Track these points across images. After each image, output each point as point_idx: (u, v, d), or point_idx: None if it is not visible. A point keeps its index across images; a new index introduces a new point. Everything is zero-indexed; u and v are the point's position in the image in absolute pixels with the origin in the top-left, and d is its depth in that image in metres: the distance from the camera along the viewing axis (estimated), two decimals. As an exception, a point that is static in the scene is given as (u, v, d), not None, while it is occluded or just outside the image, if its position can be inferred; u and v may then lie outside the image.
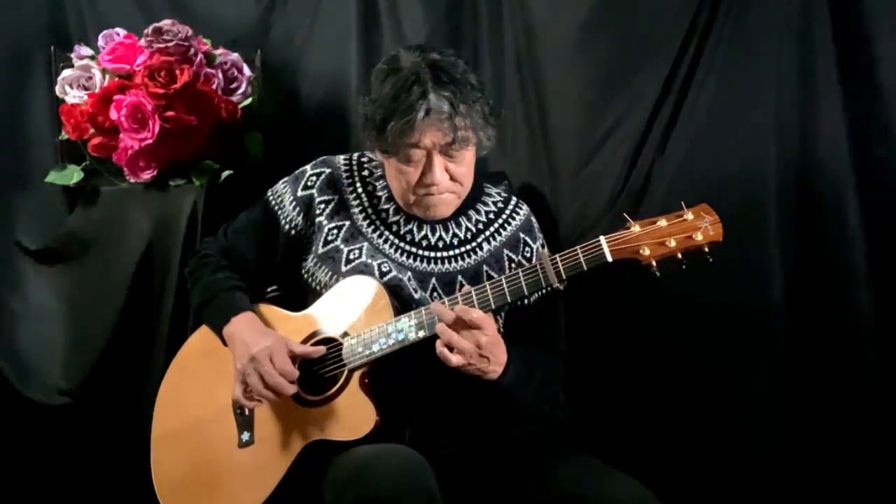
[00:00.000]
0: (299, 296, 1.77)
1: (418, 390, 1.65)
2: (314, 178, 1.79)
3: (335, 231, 1.76)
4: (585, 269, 1.53)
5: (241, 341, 1.67)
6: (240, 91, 2.24)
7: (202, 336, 1.80)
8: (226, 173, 2.19)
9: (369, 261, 1.72)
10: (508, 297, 1.57)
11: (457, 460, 1.62)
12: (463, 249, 1.77)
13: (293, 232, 1.78)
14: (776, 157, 1.98)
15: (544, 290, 1.61)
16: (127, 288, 2.20)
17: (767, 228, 1.98)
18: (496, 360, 1.57)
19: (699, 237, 1.50)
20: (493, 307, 1.58)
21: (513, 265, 1.76)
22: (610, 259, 1.52)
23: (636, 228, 1.53)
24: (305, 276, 1.76)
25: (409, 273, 1.72)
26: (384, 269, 1.71)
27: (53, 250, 2.31)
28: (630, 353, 2.06)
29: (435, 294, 1.72)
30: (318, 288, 1.74)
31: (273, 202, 1.80)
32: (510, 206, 1.83)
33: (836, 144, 1.94)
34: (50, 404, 2.24)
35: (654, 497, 1.52)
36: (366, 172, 1.81)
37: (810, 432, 1.99)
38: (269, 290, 1.90)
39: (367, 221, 1.77)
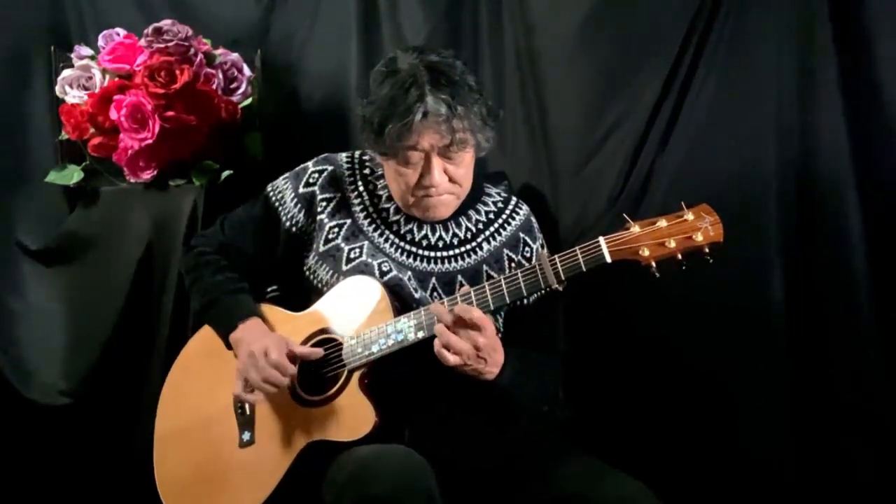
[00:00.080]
0: (300, 295, 1.77)
1: (418, 391, 1.65)
2: (316, 175, 1.79)
3: (336, 229, 1.76)
4: (584, 269, 1.53)
5: (246, 344, 1.67)
6: (240, 91, 2.24)
7: (204, 336, 1.80)
8: (226, 173, 2.19)
9: (370, 260, 1.72)
10: (507, 298, 1.57)
11: (456, 460, 1.62)
12: (463, 249, 1.77)
13: (294, 229, 1.78)
14: (776, 157, 1.98)
15: (543, 291, 1.61)
16: (127, 288, 2.20)
17: (767, 228, 1.98)
18: (493, 361, 1.57)
19: (699, 238, 1.50)
20: (492, 308, 1.57)
21: (513, 265, 1.76)
22: (609, 260, 1.52)
23: (636, 229, 1.52)
24: (307, 273, 1.76)
25: (410, 273, 1.73)
26: (384, 269, 1.71)
27: (53, 250, 2.31)
28: (630, 353, 2.06)
29: (435, 294, 1.72)
30: (319, 286, 1.74)
31: (273, 198, 1.80)
32: (510, 207, 1.83)
33: (836, 144, 1.94)
34: (50, 404, 2.24)
35: (655, 497, 1.52)
36: (367, 171, 1.81)
37: (810, 432, 1.99)
38: (269, 290, 1.90)
39: (368, 220, 1.77)
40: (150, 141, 2.08)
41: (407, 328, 1.61)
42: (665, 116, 2.04)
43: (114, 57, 2.16)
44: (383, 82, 1.62)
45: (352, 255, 1.73)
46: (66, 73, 2.20)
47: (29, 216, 2.37)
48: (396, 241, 1.76)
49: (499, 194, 1.85)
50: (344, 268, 1.72)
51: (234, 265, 1.80)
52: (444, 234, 1.77)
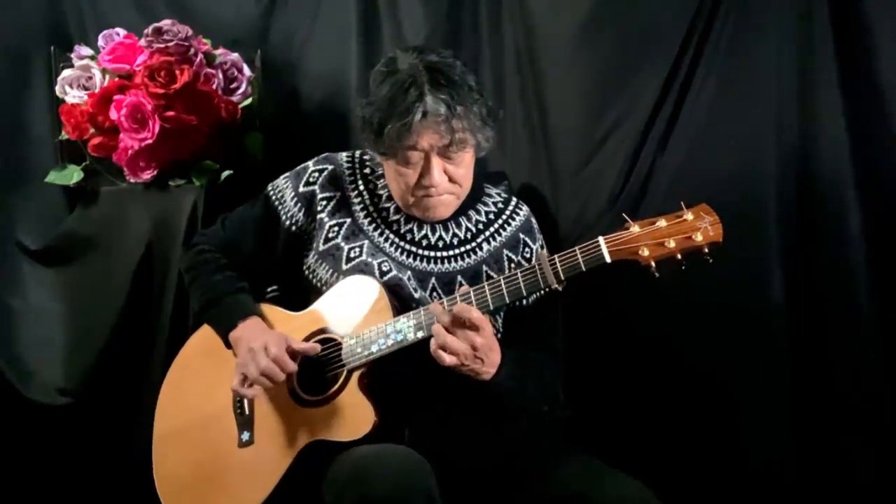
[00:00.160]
0: (299, 295, 1.77)
1: (417, 390, 1.65)
2: (316, 175, 1.79)
3: (336, 228, 1.76)
4: (584, 269, 1.53)
5: (245, 341, 1.67)
6: (240, 91, 2.24)
7: (203, 336, 1.80)
8: (226, 173, 2.19)
9: (370, 259, 1.72)
10: (507, 298, 1.57)
11: (456, 460, 1.62)
12: (463, 249, 1.77)
13: (294, 228, 1.78)
14: (776, 157, 1.98)
15: (543, 291, 1.61)
16: (127, 288, 2.20)
17: (767, 228, 1.98)
18: (490, 362, 1.57)
19: (699, 238, 1.50)
20: (492, 308, 1.57)
21: (512, 265, 1.76)
22: (609, 260, 1.51)
23: (635, 229, 1.52)
24: (307, 272, 1.76)
25: (409, 272, 1.73)
26: (384, 268, 1.71)
27: (53, 250, 2.31)
28: (630, 353, 2.06)
29: (434, 294, 1.72)
30: (319, 285, 1.74)
31: (274, 197, 1.80)
32: (510, 207, 1.83)
33: (836, 144, 1.93)
34: (50, 404, 2.24)
35: (655, 497, 1.53)
36: (367, 170, 1.81)
37: (810, 432, 1.99)
38: (269, 290, 1.90)
39: (369, 219, 1.77)
40: (150, 141, 2.08)
41: (406, 328, 1.60)
42: (665, 116, 2.04)
43: (114, 57, 2.16)
44: (383, 82, 1.62)
45: (352, 255, 1.73)
46: (66, 73, 2.20)
47: (29, 216, 2.37)
48: (396, 240, 1.76)
49: (499, 195, 1.85)
50: (344, 267, 1.72)
51: (234, 264, 1.80)
52: (443, 234, 1.77)
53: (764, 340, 1.99)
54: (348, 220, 1.76)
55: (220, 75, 2.20)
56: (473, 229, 1.78)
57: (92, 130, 2.17)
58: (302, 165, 1.82)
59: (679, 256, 1.51)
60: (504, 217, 1.81)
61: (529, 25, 2.16)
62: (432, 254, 1.75)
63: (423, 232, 1.76)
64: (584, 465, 1.61)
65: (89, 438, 2.23)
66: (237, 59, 2.25)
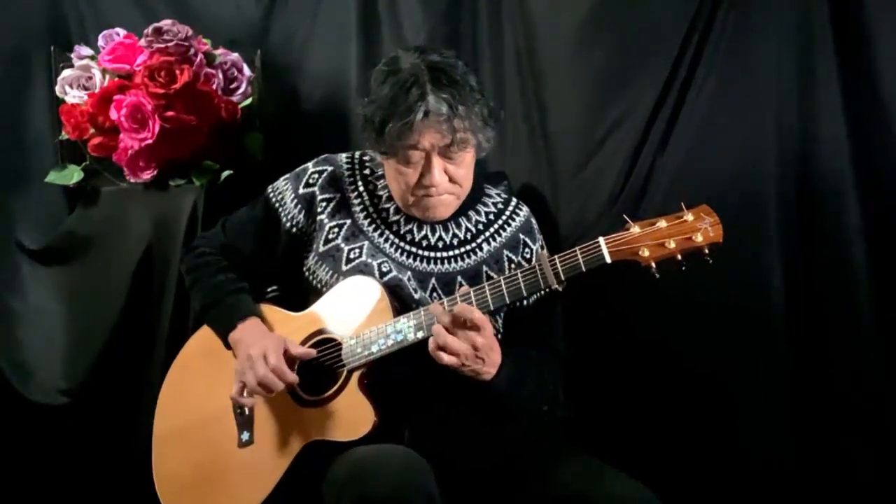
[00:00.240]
0: (299, 295, 1.77)
1: (417, 391, 1.65)
2: (316, 176, 1.79)
3: (336, 229, 1.76)
4: (584, 270, 1.53)
5: (245, 345, 1.67)
6: (240, 91, 2.23)
7: (203, 336, 1.80)
8: (226, 173, 2.19)
9: (370, 260, 1.72)
10: (507, 298, 1.57)
11: (456, 460, 1.62)
12: (463, 250, 1.77)
13: (294, 229, 1.78)
14: (776, 157, 1.98)
15: (543, 292, 1.61)
16: (127, 288, 2.20)
17: (767, 228, 1.98)
18: (490, 362, 1.57)
19: (699, 238, 1.50)
20: (492, 308, 1.57)
21: (512, 266, 1.76)
22: (609, 260, 1.51)
23: (635, 229, 1.52)
24: (307, 274, 1.76)
25: (409, 273, 1.72)
26: (384, 269, 1.71)
27: (53, 250, 2.31)
28: (630, 353, 2.06)
29: (434, 294, 1.72)
30: (318, 286, 1.74)
31: (274, 199, 1.80)
32: (510, 207, 1.83)
33: (836, 144, 1.94)
34: (50, 404, 2.24)
35: (655, 497, 1.52)
36: (367, 171, 1.81)
37: (810, 432, 1.99)
38: (269, 290, 1.90)
39: (368, 220, 1.77)
40: (150, 141, 2.08)
41: (406, 328, 1.60)
42: (665, 116, 2.04)
43: (114, 57, 2.16)
44: (384, 81, 1.62)
45: (352, 256, 1.73)
46: (66, 73, 2.19)
47: (29, 216, 2.37)
48: (396, 241, 1.76)
49: (499, 195, 1.85)
50: (344, 268, 1.72)
51: (234, 266, 1.80)
52: (443, 234, 1.77)
53: (764, 340, 2.00)
54: (348, 222, 1.76)
55: (220, 75, 2.20)
56: (473, 230, 1.78)
57: (92, 130, 2.16)
58: (301, 167, 1.82)
59: (679, 257, 1.51)
60: (504, 217, 1.81)
61: (529, 25, 2.16)
62: (432, 254, 1.75)
63: (423, 232, 1.76)
64: (584, 465, 1.61)
65: (89, 438, 2.23)
66: (237, 59, 2.25)
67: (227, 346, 1.72)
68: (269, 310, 1.77)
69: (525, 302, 1.71)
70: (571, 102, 2.14)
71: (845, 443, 1.97)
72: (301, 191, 1.78)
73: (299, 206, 1.77)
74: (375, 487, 1.43)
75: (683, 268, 1.51)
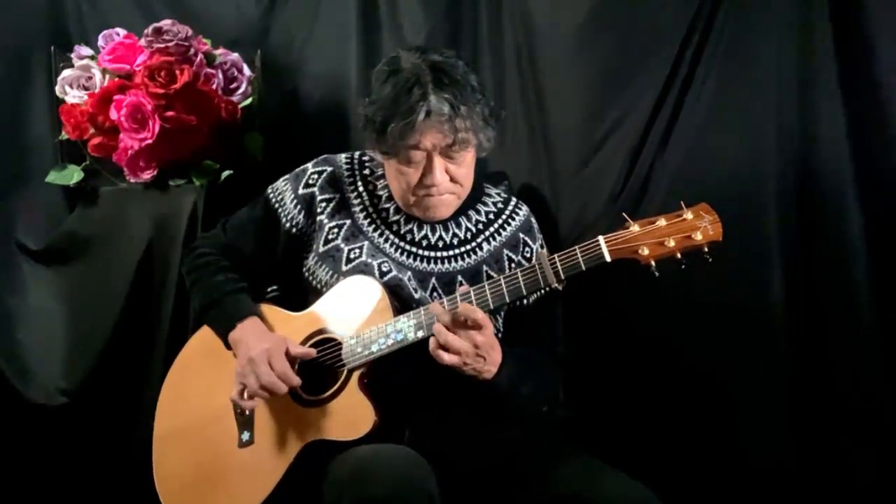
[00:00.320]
0: (299, 295, 1.77)
1: (417, 390, 1.65)
2: (316, 176, 1.79)
3: (336, 230, 1.76)
4: (584, 268, 1.53)
5: (245, 345, 1.67)
6: (240, 91, 2.24)
7: (204, 336, 1.80)
8: (226, 173, 2.19)
9: (370, 260, 1.72)
10: (507, 298, 1.57)
11: (456, 460, 1.62)
12: (463, 249, 1.77)
13: (294, 230, 1.78)
14: (776, 157, 1.98)
15: (543, 291, 1.61)
16: (127, 288, 2.20)
17: (767, 228, 1.98)
18: (491, 360, 1.57)
19: (698, 237, 1.50)
20: (492, 307, 1.57)
21: (513, 265, 1.76)
22: (608, 259, 1.51)
23: (635, 228, 1.52)
24: (306, 274, 1.76)
25: (409, 273, 1.73)
26: (384, 269, 1.71)
27: (53, 250, 2.31)
28: (630, 353, 2.06)
29: (435, 294, 1.72)
30: (318, 287, 1.74)
31: (273, 200, 1.80)
32: (510, 207, 1.83)
33: (836, 144, 1.94)
34: (50, 404, 2.24)
35: (655, 497, 1.52)
36: (367, 171, 1.81)
37: (810, 432, 1.99)
38: (269, 290, 1.90)
39: (368, 220, 1.77)
40: (150, 141, 2.08)
41: (407, 328, 1.60)
42: (665, 116, 2.04)
43: (114, 57, 2.16)
44: (386, 81, 1.62)
45: (351, 256, 1.73)
46: (66, 73, 2.19)
47: (29, 216, 2.37)
48: (396, 241, 1.76)
49: (499, 195, 1.85)
50: (344, 268, 1.72)
51: (235, 266, 1.80)
52: (444, 234, 1.77)
53: (764, 340, 1.99)
54: (348, 222, 1.76)
55: (220, 75, 2.20)
56: (473, 229, 1.78)
57: (92, 130, 2.16)
58: (301, 168, 1.82)
59: (679, 255, 1.51)
60: (504, 217, 1.81)
61: (529, 25, 2.16)
62: (432, 254, 1.75)
63: (423, 232, 1.76)
64: (584, 465, 1.61)
65: (89, 438, 2.23)
66: (237, 59, 2.25)
67: (228, 346, 1.72)
68: (269, 310, 1.77)
69: (525, 301, 1.71)
70: (571, 102, 2.14)
71: (845, 443, 1.96)
72: (301, 191, 1.78)
73: (299, 207, 1.77)
74: (376, 487, 1.43)
75: (683, 266, 1.51)
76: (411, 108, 1.57)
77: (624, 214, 1.55)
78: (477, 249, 1.77)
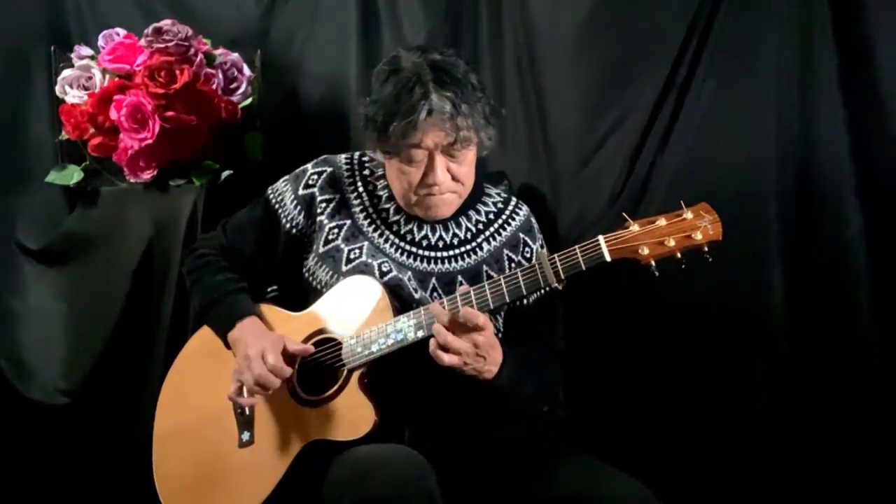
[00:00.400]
0: (299, 295, 1.77)
1: (418, 390, 1.65)
2: (315, 177, 1.79)
3: (336, 230, 1.76)
4: (584, 268, 1.53)
5: (243, 343, 1.67)
6: (240, 91, 2.23)
7: (204, 336, 1.80)
8: (226, 173, 2.19)
9: (370, 260, 1.72)
10: (507, 298, 1.56)
11: (456, 460, 1.62)
12: (463, 249, 1.77)
13: (294, 231, 1.78)
14: (776, 157, 1.98)
15: (543, 290, 1.61)
16: (127, 288, 2.20)
17: (767, 228, 1.98)
18: (491, 360, 1.57)
19: (698, 236, 1.50)
20: (492, 307, 1.57)
21: (513, 265, 1.76)
22: (608, 259, 1.51)
23: (635, 228, 1.52)
24: (306, 274, 1.76)
25: (410, 273, 1.73)
26: (384, 269, 1.71)
27: (53, 250, 2.31)
28: (630, 352, 2.06)
29: (435, 294, 1.72)
30: (318, 287, 1.74)
31: (273, 200, 1.80)
32: (510, 207, 1.83)
33: (836, 144, 1.94)
34: (50, 404, 2.24)
35: (654, 497, 1.52)
36: (367, 172, 1.81)
37: (810, 432, 1.99)
38: (269, 290, 1.90)
39: (368, 221, 1.77)
40: (150, 141, 2.08)
41: (407, 327, 1.60)
42: (665, 116, 2.05)
43: (114, 57, 2.16)
44: (387, 80, 1.62)
45: (352, 256, 1.73)
46: (66, 73, 2.19)
47: (29, 216, 2.37)
48: (396, 241, 1.76)
49: (499, 194, 1.85)
50: (344, 268, 1.72)
51: (235, 266, 1.80)
52: (444, 234, 1.77)
53: (764, 340, 2.00)
54: (348, 222, 1.76)
55: (220, 75, 2.20)
56: (473, 229, 1.78)
57: (92, 130, 2.16)
58: (301, 168, 1.82)
59: (679, 255, 1.51)
60: (504, 217, 1.81)
61: (530, 25, 2.17)
62: (432, 254, 1.75)
63: (424, 232, 1.76)
64: (584, 465, 1.61)
65: (89, 438, 2.23)
66: (237, 59, 2.25)
67: (227, 345, 1.72)
68: (269, 310, 1.77)
69: (525, 301, 1.71)
70: (571, 102, 2.15)
71: (845, 443, 1.97)
72: (300, 192, 1.78)
73: (299, 208, 1.77)
74: (376, 487, 1.43)
75: (683, 266, 1.51)
76: (413, 106, 1.56)
77: (624, 214, 1.55)
78: (477, 249, 1.77)
